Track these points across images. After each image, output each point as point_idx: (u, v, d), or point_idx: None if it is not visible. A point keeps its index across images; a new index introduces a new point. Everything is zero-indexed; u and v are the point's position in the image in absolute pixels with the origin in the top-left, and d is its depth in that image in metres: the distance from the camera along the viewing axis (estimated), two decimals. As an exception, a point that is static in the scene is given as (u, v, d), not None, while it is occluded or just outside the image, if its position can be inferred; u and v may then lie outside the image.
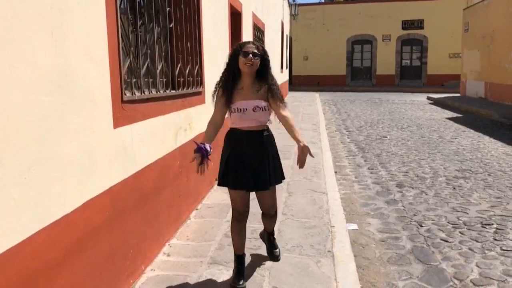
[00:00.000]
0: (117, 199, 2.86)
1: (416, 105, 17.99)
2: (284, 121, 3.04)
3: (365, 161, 7.72)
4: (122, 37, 2.94)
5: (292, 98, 20.06)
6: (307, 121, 12.11)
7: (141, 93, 3.30)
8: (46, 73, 2.10)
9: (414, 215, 4.87)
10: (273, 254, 3.49)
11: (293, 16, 25.39)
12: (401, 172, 6.81)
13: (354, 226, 4.52)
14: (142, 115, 3.26)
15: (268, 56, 3.07)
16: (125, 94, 2.98)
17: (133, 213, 3.11)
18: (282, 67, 18.39)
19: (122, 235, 2.94)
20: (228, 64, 3.07)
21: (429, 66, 28.95)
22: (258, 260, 3.47)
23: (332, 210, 4.67)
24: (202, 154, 2.85)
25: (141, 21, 3.42)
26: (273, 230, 3.54)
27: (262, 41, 11.37)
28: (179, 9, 4.28)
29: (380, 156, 8.05)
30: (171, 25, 4.08)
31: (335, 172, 6.64)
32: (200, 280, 3.16)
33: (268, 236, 3.53)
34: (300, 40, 29.87)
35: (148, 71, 3.55)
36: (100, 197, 2.62)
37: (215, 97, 3.09)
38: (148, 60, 3.54)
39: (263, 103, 3.00)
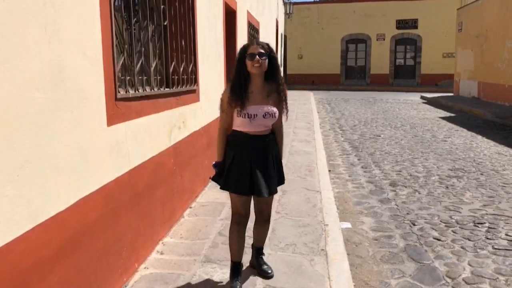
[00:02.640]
0: (111, 196, 2.85)
1: (409, 104, 18.07)
2: (278, 132, 3.07)
3: (358, 160, 7.74)
4: (116, 34, 2.93)
5: (287, 97, 20.04)
6: (301, 120, 12.13)
7: (135, 91, 3.29)
8: (40, 70, 2.09)
9: (407, 213, 4.90)
10: (264, 273, 3.20)
11: (288, 15, 25.39)
12: (394, 171, 6.84)
13: (347, 225, 4.54)
14: (136, 113, 3.25)
15: (275, 54, 2.93)
16: (119, 92, 2.97)
17: (126, 211, 3.11)
18: (276, 66, 18.36)
19: (115, 233, 2.93)
20: (236, 70, 2.91)
21: (423, 65, 29.11)
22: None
23: (325, 208, 4.69)
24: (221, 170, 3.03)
25: (135, 19, 3.41)
26: (263, 247, 3.29)
27: (257, 39, 11.35)
28: (174, 6, 4.27)
29: (373, 155, 8.08)
30: (165, 23, 4.07)
31: (329, 170, 6.66)
32: (194, 278, 3.16)
33: (256, 254, 3.27)
34: (294, 38, 29.90)
35: (142, 69, 3.54)
36: (94, 194, 2.62)
37: (224, 102, 2.93)
38: (142, 57, 3.53)
39: (273, 109, 2.89)
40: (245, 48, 2.87)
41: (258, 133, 2.90)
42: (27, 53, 2.00)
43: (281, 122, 3.09)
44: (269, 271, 3.19)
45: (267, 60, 2.84)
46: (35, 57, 2.06)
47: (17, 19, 1.92)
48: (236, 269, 3.05)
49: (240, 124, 2.88)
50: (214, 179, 3.06)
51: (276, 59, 2.91)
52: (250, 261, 3.31)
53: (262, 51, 2.81)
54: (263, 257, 3.29)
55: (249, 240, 3.23)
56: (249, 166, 2.87)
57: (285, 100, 2.98)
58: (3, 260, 1.86)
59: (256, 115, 2.83)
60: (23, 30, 1.97)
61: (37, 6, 2.06)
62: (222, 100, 2.95)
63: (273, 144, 3.00)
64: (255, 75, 2.85)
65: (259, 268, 3.22)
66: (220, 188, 3.00)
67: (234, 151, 2.92)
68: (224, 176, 2.95)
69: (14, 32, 1.91)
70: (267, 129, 2.94)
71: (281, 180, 3.08)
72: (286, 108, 3.01)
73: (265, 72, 2.87)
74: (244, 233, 3.03)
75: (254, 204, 3.08)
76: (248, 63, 2.81)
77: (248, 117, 2.82)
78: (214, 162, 3.06)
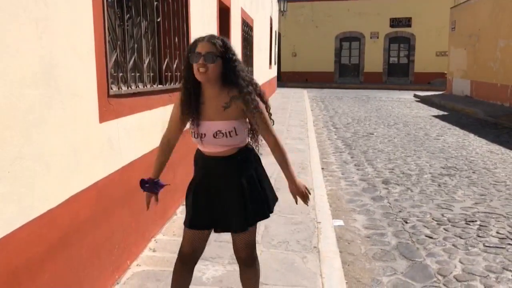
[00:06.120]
0: (103, 194, 2.84)
1: (403, 103, 18.13)
2: (273, 149, 2.29)
3: (351, 157, 7.76)
4: (108, 30, 2.91)
5: (280, 95, 20.09)
6: (295, 118, 12.13)
7: (127, 88, 3.27)
8: (31, 66, 2.07)
9: (400, 211, 4.92)
10: None
11: (282, 12, 25.36)
12: (387, 169, 6.86)
13: (340, 222, 4.55)
14: (129, 110, 3.24)
15: (233, 54, 2.17)
16: (112, 88, 2.96)
17: (119, 208, 3.09)
18: (270, 63, 18.39)
19: (107, 230, 2.92)
20: (184, 73, 2.25)
21: (416, 64, 29.19)
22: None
23: (318, 206, 4.70)
24: (151, 191, 2.43)
25: (128, 15, 3.39)
26: None
27: (251, 36, 11.35)
28: (167, 3, 4.25)
29: (366, 153, 8.11)
30: (158, 19, 4.05)
31: (322, 168, 6.67)
32: (186, 275, 3.15)
33: None
34: (288, 36, 29.88)
35: (135, 66, 3.53)
36: (86, 191, 2.60)
37: (174, 108, 2.37)
38: (135, 54, 3.51)
39: (229, 126, 2.16)
40: (194, 44, 2.18)
41: (218, 155, 2.24)
42: (17, 49, 1.98)
43: (274, 136, 2.27)
44: None
45: (218, 64, 2.11)
46: (26, 53, 2.04)
47: (7, 15, 1.90)
48: None
49: (195, 141, 2.31)
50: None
51: (234, 61, 2.17)
52: None
53: (212, 50, 2.10)
54: None
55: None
56: (208, 194, 2.29)
57: (254, 102, 2.17)
58: (-7, 257, 1.85)
59: (204, 134, 2.19)
60: (14, 25, 1.95)
61: (28, 1, 2.05)
62: (174, 104, 2.37)
63: (246, 166, 2.28)
64: (203, 83, 2.17)
65: None
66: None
67: (195, 174, 2.38)
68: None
69: (5, 28, 1.89)
70: (230, 149, 2.23)
71: (262, 212, 2.34)
72: (259, 108, 2.20)
73: (222, 77, 2.16)
74: (188, 273, 2.44)
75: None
76: (193, 66, 2.12)
77: (195, 137, 2.24)
78: (142, 178, 2.43)
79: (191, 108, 2.20)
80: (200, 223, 2.32)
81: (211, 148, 2.24)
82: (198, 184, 2.33)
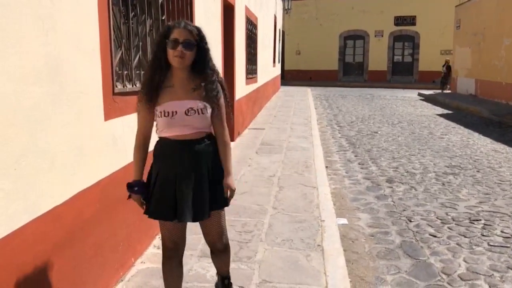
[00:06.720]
0: (107, 191, 2.84)
1: (407, 101, 18.09)
2: (220, 140, 2.39)
3: (355, 156, 7.75)
4: (113, 28, 2.92)
5: (284, 93, 20.08)
6: (298, 116, 12.13)
7: (132, 85, 3.28)
8: (36, 64, 2.08)
9: (404, 210, 4.91)
10: None
11: (286, 10, 25.34)
12: (391, 168, 6.85)
13: (344, 221, 4.55)
14: (133, 108, 3.23)
15: (206, 44, 2.27)
16: (116, 86, 2.96)
17: (123, 205, 3.09)
18: (274, 62, 18.37)
19: (111, 228, 2.93)
20: (153, 56, 2.29)
21: (420, 62, 29.13)
22: (248, 254, 3.47)
23: (322, 204, 4.69)
24: (139, 193, 2.35)
25: (133, 13, 3.40)
26: (228, 273, 2.66)
27: (255, 34, 11.34)
28: (172, 1, 4.26)
29: (370, 152, 8.09)
30: (163, 17, 4.05)
31: (326, 167, 6.67)
32: (190, 273, 3.17)
33: (221, 281, 2.68)
34: (293, 34, 29.87)
35: (139, 63, 3.53)
36: (90, 189, 2.61)
37: (138, 100, 2.32)
38: (140, 52, 3.52)
39: (200, 104, 2.23)
40: (168, 29, 2.21)
41: (186, 138, 2.25)
42: (23, 46, 1.98)
43: (223, 127, 2.39)
44: None
45: (193, 52, 2.20)
46: (32, 50, 2.04)
47: (13, 12, 1.91)
48: None
49: (161, 127, 2.28)
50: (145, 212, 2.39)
51: (207, 50, 2.28)
52: (216, 283, 2.75)
53: (190, 38, 2.17)
54: (231, 285, 2.72)
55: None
56: (174, 182, 2.25)
57: (215, 92, 2.29)
58: (-1, 254, 1.86)
59: (176, 112, 2.20)
60: (19, 23, 1.95)
61: (34, -1, 2.05)
62: (137, 97, 2.33)
63: (209, 153, 2.31)
64: (176, 68, 2.23)
65: None
66: (144, 213, 2.39)
67: (158, 165, 2.32)
68: (147, 197, 2.35)
69: (11, 25, 1.89)
70: (198, 132, 2.27)
71: (218, 201, 2.35)
72: (219, 106, 2.33)
73: (193, 63, 2.24)
74: (178, 267, 2.48)
75: (202, 232, 2.50)
76: (169, 51, 2.17)
77: (165, 115, 2.22)
78: (128, 182, 2.35)
79: (156, 87, 2.23)
80: (165, 212, 2.28)
81: (178, 130, 2.24)
82: (166, 172, 2.28)
